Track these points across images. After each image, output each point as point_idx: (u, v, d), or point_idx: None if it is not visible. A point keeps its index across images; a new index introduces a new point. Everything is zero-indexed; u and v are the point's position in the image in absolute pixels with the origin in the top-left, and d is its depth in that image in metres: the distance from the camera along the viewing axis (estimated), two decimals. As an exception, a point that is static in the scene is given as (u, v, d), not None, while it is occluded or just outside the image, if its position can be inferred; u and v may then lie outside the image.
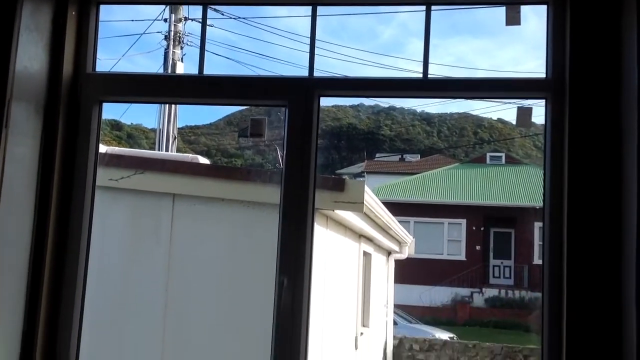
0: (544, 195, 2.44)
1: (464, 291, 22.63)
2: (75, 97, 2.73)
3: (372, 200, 6.63)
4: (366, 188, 5.80)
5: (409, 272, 19.11)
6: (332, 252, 6.70)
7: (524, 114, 2.54)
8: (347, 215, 6.37)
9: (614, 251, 2.26)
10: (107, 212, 5.03)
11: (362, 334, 8.81)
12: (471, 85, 2.63)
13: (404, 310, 16.91)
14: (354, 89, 2.76)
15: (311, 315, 2.70)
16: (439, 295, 21.96)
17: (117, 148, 6.36)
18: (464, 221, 24.17)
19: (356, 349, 8.47)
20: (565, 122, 2.37)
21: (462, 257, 24.07)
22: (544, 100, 2.48)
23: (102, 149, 5.32)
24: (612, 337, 2.22)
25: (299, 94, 2.65)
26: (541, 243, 2.50)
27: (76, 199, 2.72)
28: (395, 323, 12.66)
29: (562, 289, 2.32)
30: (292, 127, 2.65)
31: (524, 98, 2.57)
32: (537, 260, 20.98)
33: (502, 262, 24.00)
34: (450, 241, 24.32)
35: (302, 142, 2.63)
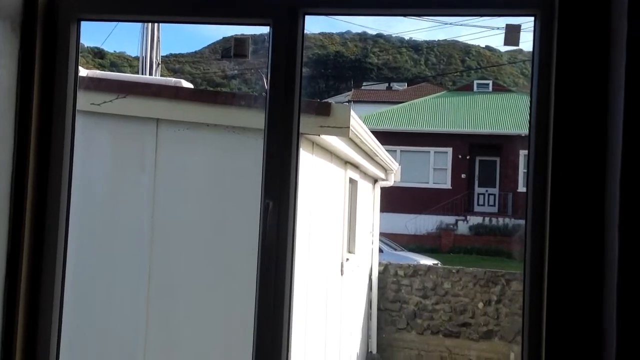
0: (529, 122, 2.41)
1: (449, 219, 22.92)
2: (52, 14, 2.64)
3: (358, 126, 6.59)
4: (352, 113, 5.75)
5: (395, 200, 19.30)
6: (318, 178, 6.71)
7: (513, 31, 2.49)
8: (333, 141, 6.34)
9: (598, 179, 2.25)
10: (90, 137, 4.97)
11: (347, 260, 8.94)
12: (457, 1, 2.55)
13: (389, 238, 17.16)
14: (340, 6, 2.68)
15: (297, 239, 2.71)
16: (424, 223, 22.24)
17: (97, 71, 6.23)
18: (450, 149, 24.27)
19: (342, 274, 8.60)
20: (554, 42, 2.32)
21: (448, 186, 24.30)
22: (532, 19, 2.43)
23: (83, 72, 5.21)
24: (594, 261, 2.24)
25: (283, 12, 2.58)
26: (526, 171, 2.49)
27: (57, 123, 2.67)
28: (380, 250, 12.85)
29: (544, 216, 2.33)
30: (277, 47, 2.59)
31: (511, 15, 2.50)
32: (521, 188, 21.21)
33: (486, 190, 24.27)
34: (436, 169, 24.48)
35: (286, 64, 2.57)
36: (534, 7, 2.42)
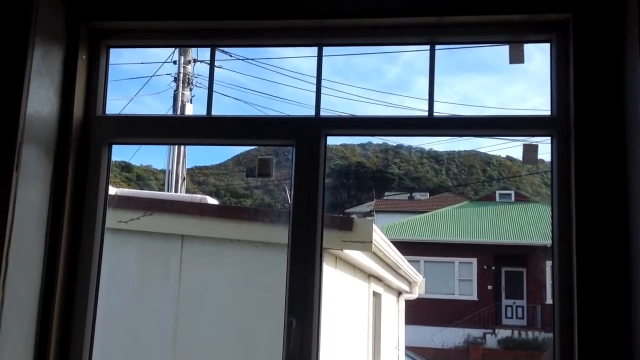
0: (552, 233, 2.43)
1: (477, 332, 22.32)
2: (85, 139, 2.76)
3: (380, 239, 6.60)
4: (375, 227, 5.77)
5: (420, 312, 18.92)
6: (342, 293, 6.66)
7: (530, 150, 2.55)
8: (356, 255, 6.34)
9: (624, 290, 2.25)
10: (117, 254, 5.04)
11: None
12: (476, 123, 2.64)
13: (415, 352, 16.68)
14: (360, 127, 2.78)
15: (321, 357, 2.67)
16: (451, 336, 21.68)
17: (126, 189, 6.40)
18: (474, 260, 23.99)
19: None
20: (572, 159, 2.38)
21: (474, 297, 23.83)
22: (549, 137, 2.50)
23: (112, 190, 5.35)
24: None
25: (306, 133, 2.68)
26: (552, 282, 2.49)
27: (85, 241, 2.74)
28: (407, 367, 12.49)
29: (572, 329, 2.31)
30: (300, 166, 2.67)
31: (530, 136, 2.58)
32: (549, 300, 20.74)
33: (514, 302, 23.74)
34: (461, 281, 24.10)
35: (309, 181, 2.64)
36: (550, 128, 2.49)
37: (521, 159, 2.56)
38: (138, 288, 5.30)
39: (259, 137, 2.78)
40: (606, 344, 2.23)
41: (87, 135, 2.77)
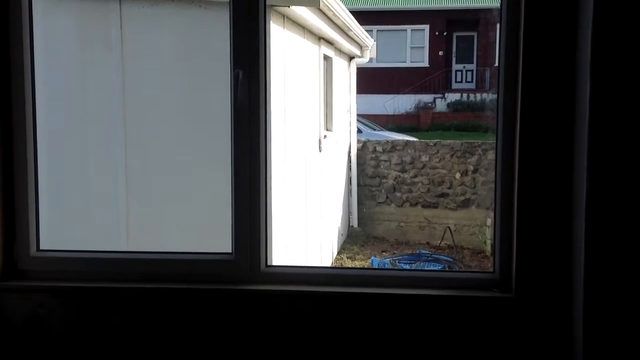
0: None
1: (427, 97, 22.82)
2: None
3: (330, -3, 6.41)
4: (322, -19, 5.56)
5: (373, 81, 19.10)
6: (291, 53, 6.58)
7: None
8: (305, 14, 6.17)
9: (569, 50, 2.24)
10: (50, 22, 4.79)
11: (325, 137, 8.95)
12: None
13: (368, 119, 17.15)
14: None
15: (272, 112, 2.66)
16: (402, 103, 22.15)
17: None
18: (426, 27, 23.82)
19: (320, 150, 8.64)
20: None
21: (426, 64, 24.03)
22: None
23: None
24: (564, 128, 2.27)
25: None
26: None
27: (14, 5, 2.56)
28: (359, 131, 12.86)
29: (516, 89, 2.33)
30: None
31: None
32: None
33: (464, 67, 24.06)
34: (413, 48, 24.11)
35: None
36: None
37: None
38: (79, 55, 5.12)
39: None
40: (549, 101, 2.27)
41: None
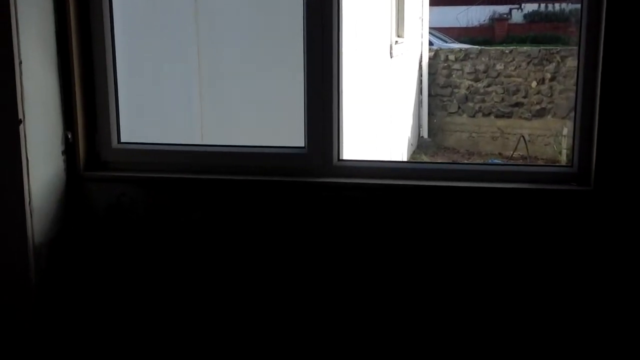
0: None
1: (502, 8, 21.94)
2: None
3: None
4: None
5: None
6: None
7: None
8: None
9: None
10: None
11: (396, 42, 8.75)
12: None
13: (440, 32, 16.66)
14: None
15: (343, 13, 2.63)
16: (476, 14, 21.35)
17: None
18: None
19: (391, 57, 8.46)
20: None
21: (501, -29, 22.98)
22: None
23: None
24: None
25: None
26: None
27: None
28: (431, 44, 12.49)
29: None
30: None
31: None
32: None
33: (542, -28, 22.90)
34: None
35: None
36: None
37: None
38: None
39: None
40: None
41: None
